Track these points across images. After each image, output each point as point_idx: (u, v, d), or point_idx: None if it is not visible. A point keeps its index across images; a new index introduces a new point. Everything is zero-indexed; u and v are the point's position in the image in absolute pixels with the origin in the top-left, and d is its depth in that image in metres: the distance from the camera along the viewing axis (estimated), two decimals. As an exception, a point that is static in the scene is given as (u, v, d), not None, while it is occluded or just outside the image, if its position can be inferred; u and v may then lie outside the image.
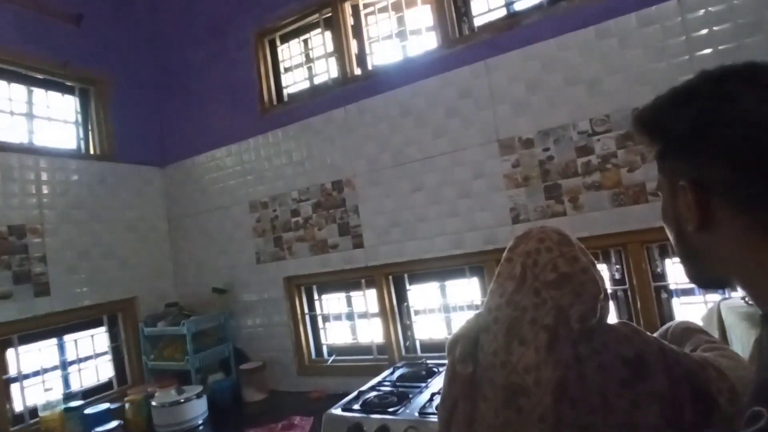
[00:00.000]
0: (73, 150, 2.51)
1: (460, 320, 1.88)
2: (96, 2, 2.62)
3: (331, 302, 2.45)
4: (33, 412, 2.05)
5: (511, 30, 1.89)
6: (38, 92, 2.40)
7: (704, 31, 1.54)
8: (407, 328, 2.20)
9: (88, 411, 2.07)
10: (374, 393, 1.68)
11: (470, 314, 0.94)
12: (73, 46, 2.47)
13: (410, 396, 1.58)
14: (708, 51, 1.53)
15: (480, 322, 0.86)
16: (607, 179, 1.69)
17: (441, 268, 2.09)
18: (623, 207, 1.66)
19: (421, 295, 2.20)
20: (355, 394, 1.68)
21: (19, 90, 2.32)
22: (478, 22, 2.05)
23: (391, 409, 1.49)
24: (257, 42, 2.55)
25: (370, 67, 2.30)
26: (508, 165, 1.86)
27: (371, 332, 2.28)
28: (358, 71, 2.31)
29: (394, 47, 2.25)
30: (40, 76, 2.38)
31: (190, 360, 2.29)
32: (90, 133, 2.59)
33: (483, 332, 0.84)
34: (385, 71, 2.20)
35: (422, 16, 2.17)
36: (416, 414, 1.43)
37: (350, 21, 2.33)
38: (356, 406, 1.58)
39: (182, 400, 2.06)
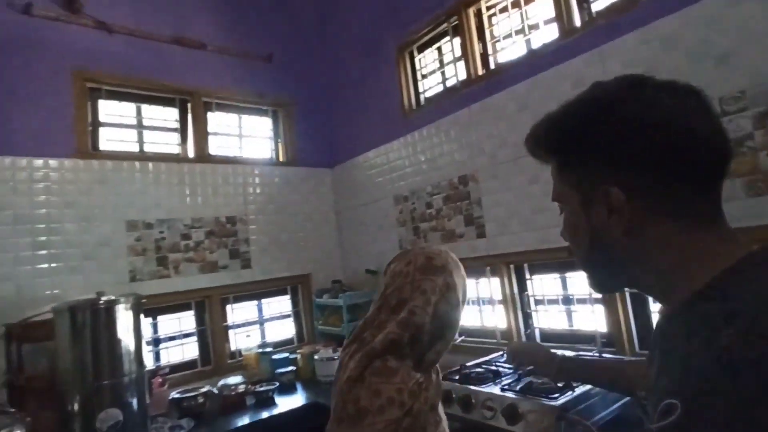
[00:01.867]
0: (268, 159, 3.27)
1: (582, 313, 1.90)
2: (283, 41, 3.34)
3: (462, 287, 2.65)
4: (239, 353, 2.82)
5: (630, 11, 1.79)
6: (245, 118, 3.21)
7: None
8: (528, 317, 2.27)
9: (274, 357, 2.75)
10: (477, 369, 1.85)
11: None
12: (267, 79, 3.22)
13: (503, 375, 1.71)
14: None
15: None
16: (737, 166, 1.49)
17: (559, 260, 2.09)
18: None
19: (541, 285, 2.23)
20: (457, 367, 1.88)
21: (232, 117, 3.16)
22: (596, 7, 1.97)
23: (478, 382, 1.66)
24: (398, 55, 2.89)
25: (492, 66, 2.41)
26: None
27: (495, 318, 2.41)
28: (482, 71, 2.44)
29: (516, 44, 2.31)
30: (245, 105, 3.18)
31: (345, 327, 2.79)
32: (279, 144, 3.33)
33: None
34: (506, 68, 2.28)
35: (544, 10, 2.17)
36: (497, 390, 1.57)
37: (474, 24, 2.47)
38: (456, 377, 1.78)
39: (336, 357, 2.56)
